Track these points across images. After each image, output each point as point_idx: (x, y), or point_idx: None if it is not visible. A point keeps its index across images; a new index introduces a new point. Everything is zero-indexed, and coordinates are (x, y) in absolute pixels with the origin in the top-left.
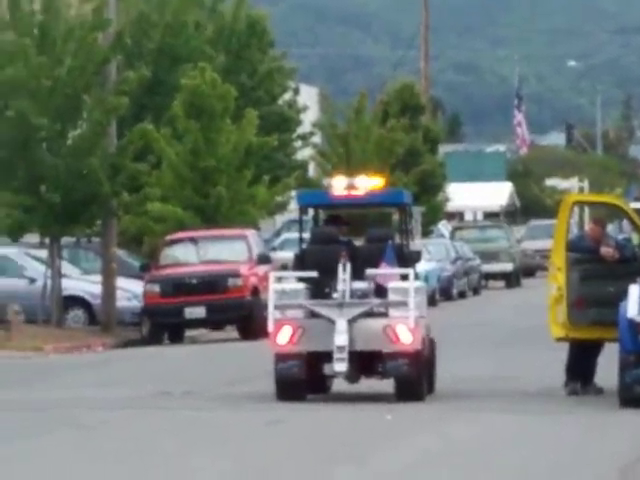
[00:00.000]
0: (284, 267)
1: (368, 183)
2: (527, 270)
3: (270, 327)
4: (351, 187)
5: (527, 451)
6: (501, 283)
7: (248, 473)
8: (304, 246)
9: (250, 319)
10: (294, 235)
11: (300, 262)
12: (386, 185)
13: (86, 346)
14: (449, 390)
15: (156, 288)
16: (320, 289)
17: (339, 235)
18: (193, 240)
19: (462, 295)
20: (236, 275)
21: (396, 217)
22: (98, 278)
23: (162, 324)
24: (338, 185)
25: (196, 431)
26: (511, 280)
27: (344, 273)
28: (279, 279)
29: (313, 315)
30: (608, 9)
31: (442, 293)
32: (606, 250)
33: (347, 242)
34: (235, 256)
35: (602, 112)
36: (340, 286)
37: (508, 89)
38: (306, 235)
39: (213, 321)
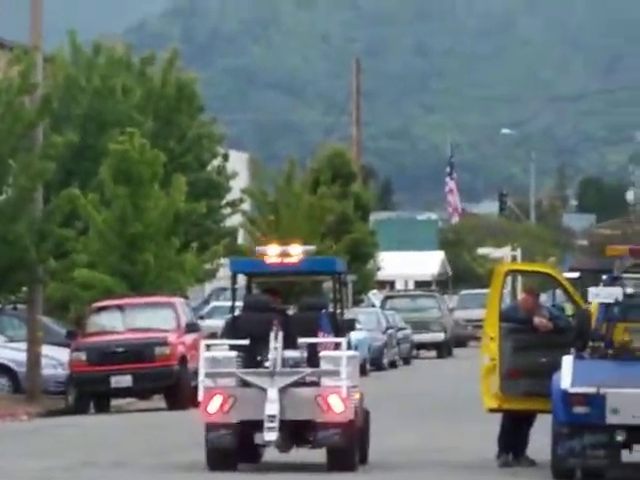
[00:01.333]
0: (212, 335)
1: (302, 251)
2: (459, 340)
3: (200, 396)
4: (285, 255)
5: None
6: (432, 353)
7: None
8: (236, 313)
9: (178, 388)
10: (222, 303)
11: (232, 329)
12: (319, 253)
13: (10, 415)
14: (382, 461)
15: (82, 356)
16: (252, 357)
17: (272, 303)
18: (120, 307)
19: (393, 365)
20: (163, 343)
21: (327, 285)
22: (23, 345)
23: (88, 393)
24: (272, 252)
25: None
26: (442, 350)
27: (276, 341)
28: (210, 347)
29: (244, 384)
30: (543, 77)
31: (373, 363)
32: (540, 320)
33: (280, 310)
34: (163, 324)
35: (536, 181)
36: (272, 354)
37: (441, 157)
38: (238, 303)
39: (140, 390)
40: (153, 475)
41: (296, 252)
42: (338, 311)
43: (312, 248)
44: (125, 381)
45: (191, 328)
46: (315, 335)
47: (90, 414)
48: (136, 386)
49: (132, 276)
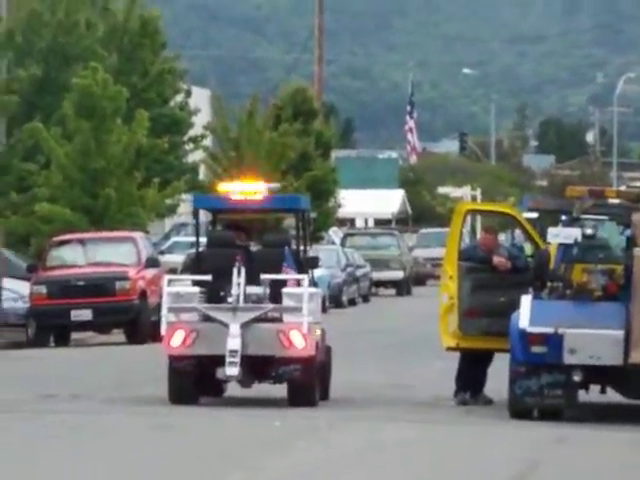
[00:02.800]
0: (173, 271)
1: (266, 188)
2: (418, 278)
3: (163, 330)
4: (249, 192)
5: (414, 460)
6: (391, 291)
7: (125, 478)
8: (199, 249)
9: (137, 323)
10: (183, 238)
11: (195, 265)
12: (283, 190)
13: None
14: (342, 397)
15: (42, 289)
16: (215, 293)
17: (235, 239)
18: (81, 242)
19: (352, 302)
20: (124, 278)
21: (288, 223)
22: None
23: (48, 326)
24: (236, 189)
25: (81, 435)
26: (401, 288)
27: (239, 277)
28: (172, 282)
29: (207, 319)
30: (504, 18)
31: (332, 300)
32: (499, 260)
33: (243, 247)
34: (123, 259)
35: (496, 121)
36: (234, 290)
37: (401, 95)
38: (202, 238)
39: (100, 324)
40: (113, 407)
41: (260, 189)
42: (301, 248)
43: (277, 186)
44: (85, 315)
45: (151, 263)
46: (278, 272)
47: (50, 347)
48: (96, 320)
49: (93, 210)
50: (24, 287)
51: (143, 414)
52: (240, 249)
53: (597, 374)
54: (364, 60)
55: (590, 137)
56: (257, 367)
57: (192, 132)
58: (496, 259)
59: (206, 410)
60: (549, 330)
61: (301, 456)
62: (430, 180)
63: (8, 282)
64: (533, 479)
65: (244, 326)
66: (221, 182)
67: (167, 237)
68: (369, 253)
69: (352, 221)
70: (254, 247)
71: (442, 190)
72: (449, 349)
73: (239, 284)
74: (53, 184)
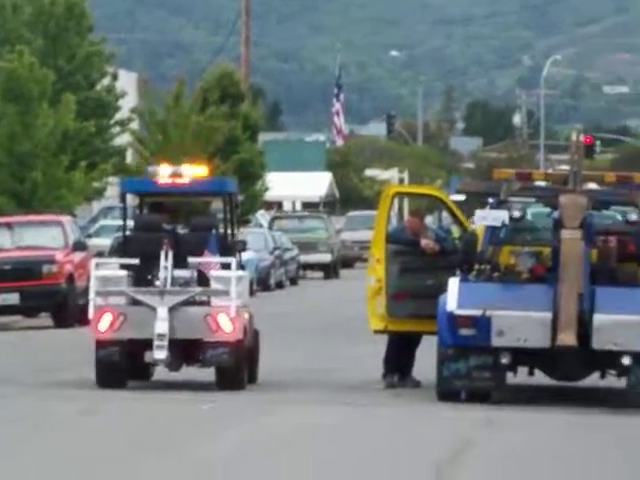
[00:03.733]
0: (100, 254)
1: (193, 171)
2: (345, 261)
3: (91, 314)
4: (176, 175)
5: (343, 443)
6: (319, 274)
7: (55, 464)
8: (127, 233)
9: (65, 306)
10: (111, 222)
11: (123, 249)
12: (210, 174)
13: None
14: (270, 381)
15: None
16: (142, 276)
17: (162, 223)
18: (8, 225)
19: (280, 285)
20: (51, 261)
21: (216, 206)
22: None
23: None
24: (163, 173)
25: (6, 419)
26: (329, 271)
27: (166, 261)
28: (100, 265)
29: (135, 302)
30: (431, 0)
31: (260, 283)
32: (426, 243)
33: (171, 230)
34: (51, 242)
35: (423, 103)
36: (162, 274)
37: (329, 78)
38: (129, 222)
39: (27, 308)
40: (40, 391)
41: (187, 172)
42: (229, 232)
43: (203, 169)
44: (12, 299)
45: (79, 246)
46: (204, 255)
47: None
48: (23, 304)
49: (20, 194)
50: None
51: (70, 398)
52: (167, 233)
53: (525, 356)
54: (291, 42)
55: (517, 119)
56: (185, 351)
57: (119, 115)
58: (424, 242)
59: (134, 394)
60: (477, 312)
61: (229, 440)
62: (358, 163)
63: None
64: (465, 460)
65: (172, 309)
66: (148, 165)
67: (94, 221)
68: (297, 236)
69: (280, 204)
70: (181, 230)
71: (369, 173)
72: (377, 332)
73: (166, 267)
74: None
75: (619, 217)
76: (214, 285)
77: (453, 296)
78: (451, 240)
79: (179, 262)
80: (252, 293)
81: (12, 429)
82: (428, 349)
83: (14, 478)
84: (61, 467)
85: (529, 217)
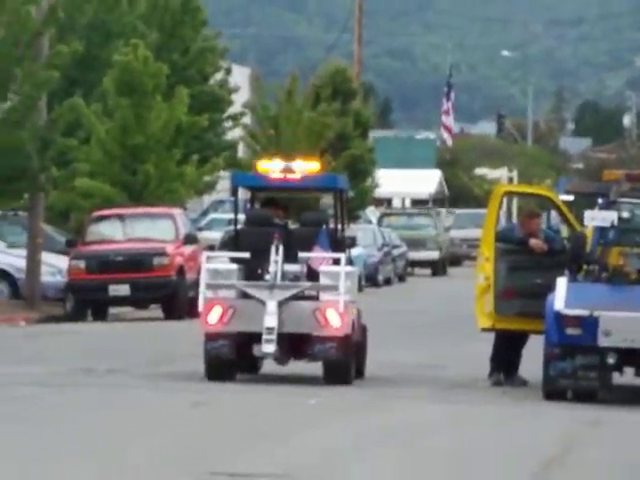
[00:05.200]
0: (211, 247)
1: (305, 167)
2: (454, 259)
3: (201, 306)
4: (288, 170)
5: (450, 440)
6: (427, 271)
7: (169, 454)
8: (238, 227)
9: (175, 299)
10: (221, 216)
11: (233, 243)
12: (321, 170)
13: (8, 320)
14: (377, 376)
15: (81, 264)
16: (252, 270)
17: (274, 218)
18: (120, 217)
19: (388, 282)
20: (162, 254)
21: (325, 202)
22: (23, 252)
23: (86, 300)
24: (275, 168)
25: (119, 410)
26: (437, 268)
27: (276, 255)
28: (211, 258)
29: (244, 296)
30: (543, 1)
31: (368, 279)
32: (535, 242)
33: (281, 225)
34: (162, 235)
35: (534, 103)
36: (272, 268)
37: (440, 76)
38: (240, 216)
39: (137, 299)
40: (151, 382)
41: (299, 168)
42: (339, 227)
43: (315, 165)
44: (123, 290)
45: (189, 239)
46: (314, 250)
47: (88, 322)
48: (134, 295)
49: (132, 186)
50: (63, 262)
51: (179, 390)
52: (278, 227)
53: (631, 357)
54: (403, 41)
55: (627, 121)
56: (293, 345)
57: (231, 110)
58: (532, 241)
59: (242, 387)
60: (584, 312)
61: (336, 434)
62: (467, 161)
63: (47, 256)
64: (571, 459)
65: (281, 304)
66: (260, 160)
67: (205, 214)
68: (405, 233)
69: (389, 201)
70: (292, 225)
71: (479, 171)
72: (484, 330)
73: (276, 262)
74: (93, 160)
75: None
76: (323, 280)
77: (561, 296)
78: (560, 240)
79: (289, 257)
80: (360, 289)
81: (120, 419)
82: (536, 348)
83: (127, 469)
84: (172, 457)
85: (638, 218)
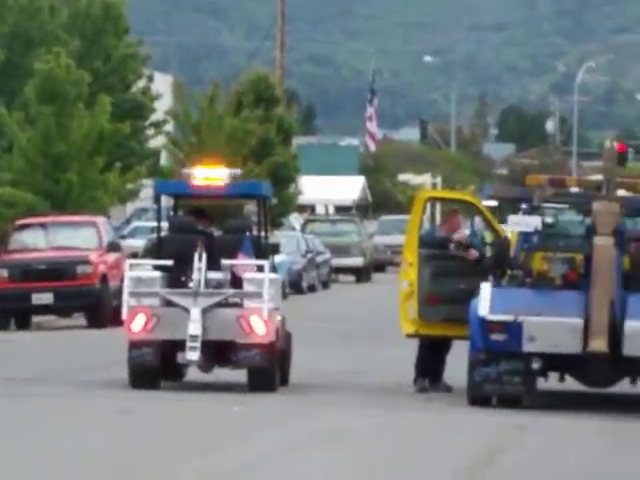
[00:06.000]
0: (134, 255)
1: (228, 175)
2: (378, 265)
3: (124, 314)
4: (210, 177)
5: (374, 446)
6: (351, 277)
7: (94, 461)
8: (161, 234)
9: (99, 307)
10: (144, 223)
11: (156, 250)
12: (245, 177)
13: None
14: (303, 383)
15: (4, 273)
16: (176, 278)
17: (196, 225)
18: (43, 226)
19: (312, 289)
20: (85, 262)
21: (248, 208)
22: None
23: (9, 309)
24: (198, 175)
25: (40, 419)
26: (361, 275)
27: (200, 262)
28: (134, 266)
29: (168, 303)
30: (464, 6)
31: (292, 286)
32: (473, 253)
33: (205, 232)
34: (85, 243)
35: (457, 108)
36: (195, 275)
37: (363, 83)
38: (163, 224)
39: (61, 308)
40: (74, 391)
41: (222, 175)
42: (262, 234)
43: (238, 172)
44: (46, 298)
45: (112, 247)
46: (238, 257)
47: (11, 330)
48: (57, 303)
49: (55, 195)
50: None
51: (104, 398)
52: (201, 234)
53: (556, 362)
54: (326, 47)
55: (550, 126)
56: (217, 352)
57: (154, 117)
58: (471, 253)
59: (167, 394)
60: (509, 318)
61: (260, 441)
62: (391, 167)
63: None
64: (497, 465)
65: (205, 311)
66: (182, 167)
67: (128, 222)
68: (329, 240)
69: (312, 208)
70: (215, 232)
71: (403, 177)
72: (408, 336)
73: (200, 269)
74: (15, 168)
75: None
76: (247, 287)
77: (485, 301)
78: (480, 244)
79: (213, 264)
80: (284, 296)
81: (47, 428)
82: (460, 354)
83: (52, 477)
84: (96, 465)
85: (562, 223)
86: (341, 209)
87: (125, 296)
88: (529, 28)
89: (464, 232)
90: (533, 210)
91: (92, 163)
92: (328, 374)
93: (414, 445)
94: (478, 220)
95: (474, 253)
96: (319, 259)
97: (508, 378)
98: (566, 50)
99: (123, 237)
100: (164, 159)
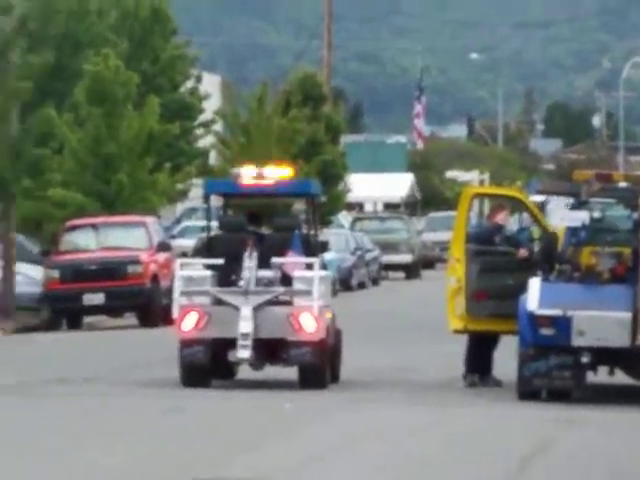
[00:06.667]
0: (184, 255)
1: (277, 173)
2: (426, 262)
3: (175, 313)
4: (260, 176)
5: (428, 442)
6: (400, 274)
7: (148, 460)
8: (211, 233)
9: (149, 306)
10: (194, 223)
11: (207, 249)
12: (295, 175)
13: None
14: (353, 380)
15: (55, 274)
16: (226, 277)
17: (246, 223)
18: (93, 226)
19: (361, 286)
20: (136, 262)
21: (297, 207)
22: None
23: (61, 310)
24: (247, 174)
25: (93, 417)
26: (410, 271)
27: (250, 261)
28: (184, 266)
29: (219, 302)
30: (511, 3)
31: (342, 283)
32: (523, 252)
33: (254, 231)
34: (135, 243)
35: (503, 105)
36: (246, 274)
37: (410, 80)
38: (214, 223)
39: (112, 308)
40: (127, 390)
41: (271, 174)
42: (311, 232)
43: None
44: (97, 299)
45: (163, 247)
46: (287, 255)
47: (63, 331)
48: (108, 304)
49: (105, 195)
50: (37, 272)
51: (155, 397)
52: (251, 233)
53: (605, 356)
54: (373, 45)
55: (596, 121)
56: (268, 350)
57: (203, 117)
58: (521, 251)
59: (218, 393)
60: (557, 312)
61: (311, 438)
62: (438, 164)
63: (22, 267)
64: (546, 459)
65: (255, 309)
66: (232, 167)
67: (178, 222)
68: (378, 237)
69: (361, 205)
70: (265, 231)
71: (450, 174)
72: (456, 332)
73: (250, 268)
74: (66, 169)
75: None
76: (297, 285)
77: (534, 296)
78: (526, 240)
79: (263, 262)
80: (334, 293)
81: (98, 426)
82: (510, 349)
83: (105, 476)
84: (151, 464)
85: (609, 217)
86: (389, 206)
87: (176, 295)
88: (574, 25)
89: (508, 220)
90: (581, 205)
91: (142, 164)
92: (378, 371)
93: (464, 440)
94: (526, 216)
95: (523, 252)
96: (368, 256)
97: (557, 372)
98: (611, 46)
99: (173, 237)
100: (213, 159)
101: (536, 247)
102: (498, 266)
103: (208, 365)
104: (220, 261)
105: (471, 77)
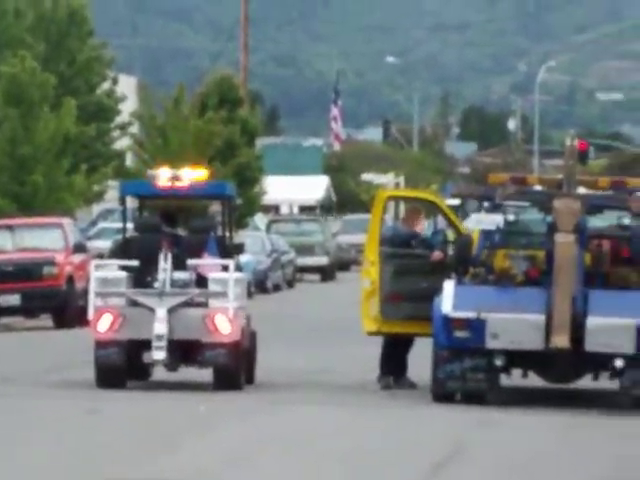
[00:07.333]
0: (100, 256)
1: (192, 175)
2: (342, 264)
3: (90, 314)
4: (175, 178)
5: (342, 443)
6: (316, 276)
7: (63, 461)
8: (127, 235)
9: (65, 308)
10: (110, 225)
11: (123, 251)
12: (210, 178)
13: None
14: (267, 382)
15: None
16: (142, 278)
17: (162, 225)
18: (9, 227)
19: (277, 288)
20: (51, 263)
21: (213, 209)
22: None
23: None
24: (163, 176)
25: (9, 419)
26: (326, 274)
27: (165, 262)
28: (100, 267)
29: (134, 304)
30: (426, 7)
31: (257, 285)
32: (437, 254)
33: (170, 232)
34: (51, 244)
35: (419, 109)
36: (161, 275)
37: (326, 84)
38: (129, 224)
39: (27, 309)
40: (42, 392)
41: (187, 176)
42: (227, 234)
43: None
44: (13, 300)
45: (79, 249)
46: (203, 257)
47: None
48: (24, 305)
49: (21, 197)
50: None
51: (71, 398)
52: (166, 234)
53: (519, 358)
54: (289, 48)
55: (512, 125)
56: (183, 351)
57: (119, 119)
58: (435, 254)
59: (133, 394)
60: (472, 315)
61: (228, 440)
62: (354, 167)
63: None
64: (460, 461)
65: (170, 311)
66: (148, 169)
67: (94, 223)
68: (294, 239)
69: (277, 208)
70: (181, 232)
71: (366, 177)
72: (370, 334)
73: (165, 269)
74: None
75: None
76: (212, 287)
77: (448, 299)
78: (443, 243)
79: (178, 264)
80: (250, 295)
81: (15, 428)
82: (423, 351)
83: (19, 477)
84: (66, 465)
85: (524, 221)
86: (305, 209)
87: (91, 296)
88: (490, 28)
89: (424, 228)
90: (495, 208)
91: (58, 165)
92: (293, 372)
93: (377, 442)
94: (440, 218)
95: (437, 255)
96: (284, 259)
97: (471, 375)
98: (527, 50)
99: (89, 238)
100: (129, 161)
101: (450, 250)
102: (412, 268)
103: (123, 366)
104: (135, 262)
105: (387, 81)
